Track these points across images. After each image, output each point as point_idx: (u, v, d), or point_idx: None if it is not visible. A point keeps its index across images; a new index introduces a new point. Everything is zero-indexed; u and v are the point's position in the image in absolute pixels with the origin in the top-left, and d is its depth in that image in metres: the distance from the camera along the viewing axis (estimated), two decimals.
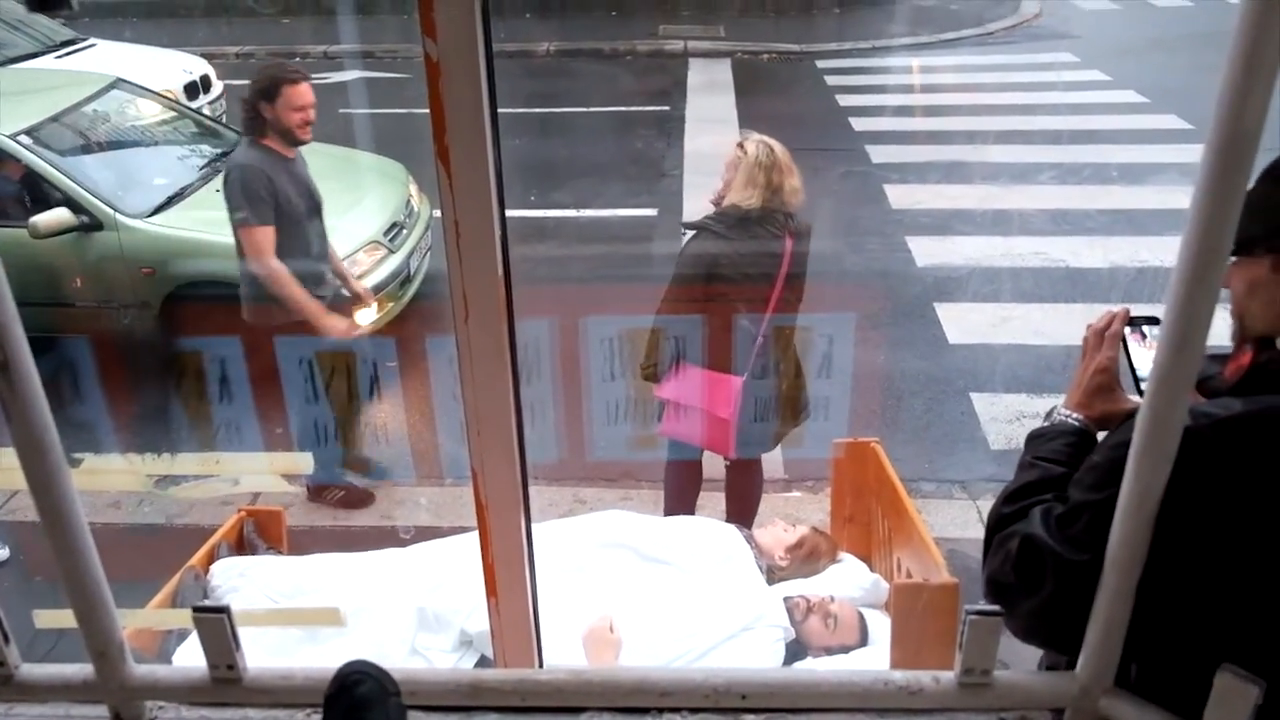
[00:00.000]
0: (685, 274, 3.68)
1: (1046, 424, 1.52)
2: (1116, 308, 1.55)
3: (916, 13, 13.80)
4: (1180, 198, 7.07)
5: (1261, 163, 1.14)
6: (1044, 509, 1.32)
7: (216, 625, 1.11)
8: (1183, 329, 0.89)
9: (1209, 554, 1.17)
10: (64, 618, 1.15)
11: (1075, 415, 1.48)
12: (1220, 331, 1.08)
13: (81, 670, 1.15)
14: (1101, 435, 1.47)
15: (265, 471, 1.80)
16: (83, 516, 1.05)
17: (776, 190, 3.52)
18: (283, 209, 4.10)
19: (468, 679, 1.19)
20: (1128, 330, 1.53)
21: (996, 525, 1.43)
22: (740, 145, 3.63)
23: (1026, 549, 1.30)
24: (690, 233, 3.73)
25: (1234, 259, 1.32)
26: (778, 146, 3.58)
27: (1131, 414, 1.43)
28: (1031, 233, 6.88)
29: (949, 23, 13.14)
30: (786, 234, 3.57)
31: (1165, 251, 6.40)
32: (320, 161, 6.60)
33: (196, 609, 1.11)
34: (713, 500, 4.35)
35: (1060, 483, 1.38)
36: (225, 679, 1.15)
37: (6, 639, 1.14)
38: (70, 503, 1.03)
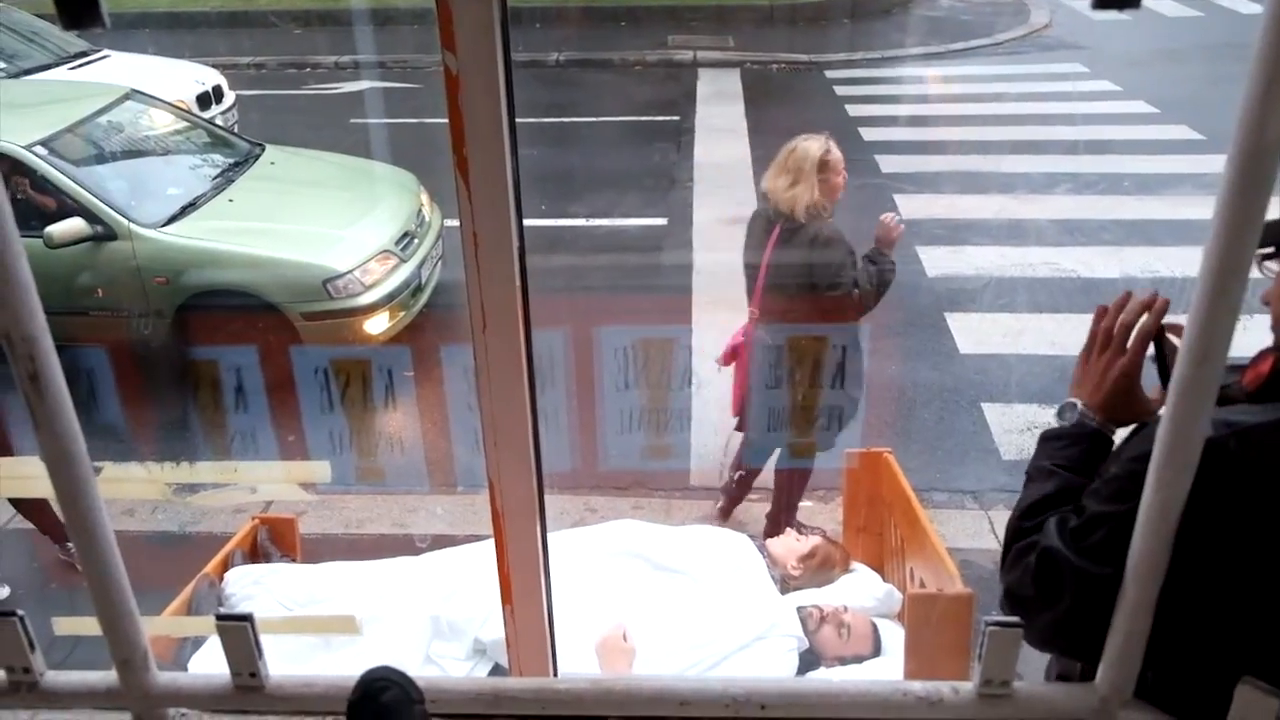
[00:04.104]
0: None
1: (1064, 423, 1.46)
2: (1142, 292, 1.42)
3: (926, 23, 13.79)
4: (1192, 209, 7.06)
5: None
6: (1059, 520, 1.31)
7: (239, 633, 1.12)
8: (1204, 342, 0.90)
9: (1230, 564, 1.16)
10: (84, 624, 1.16)
11: (1095, 417, 1.43)
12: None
13: (105, 677, 1.16)
14: (1120, 434, 1.43)
15: (282, 480, 1.81)
16: (109, 526, 1.05)
17: (763, 180, 3.81)
18: None
19: (488, 687, 1.19)
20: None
21: (1015, 536, 1.41)
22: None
23: (1045, 562, 1.29)
24: None
25: (1274, 265, 1.30)
26: (793, 145, 3.72)
27: (1151, 416, 1.42)
28: (1044, 243, 6.87)
29: (959, 33, 13.13)
30: (773, 231, 3.78)
31: (1178, 263, 6.39)
32: (332, 171, 6.68)
33: (220, 617, 1.11)
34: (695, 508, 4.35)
35: (1079, 492, 1.36)
36: (248, 686, 1.15)
37: (32, 646, 1.15)
38: (97, 512, 1.04)
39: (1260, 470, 1.16)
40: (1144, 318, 1.39)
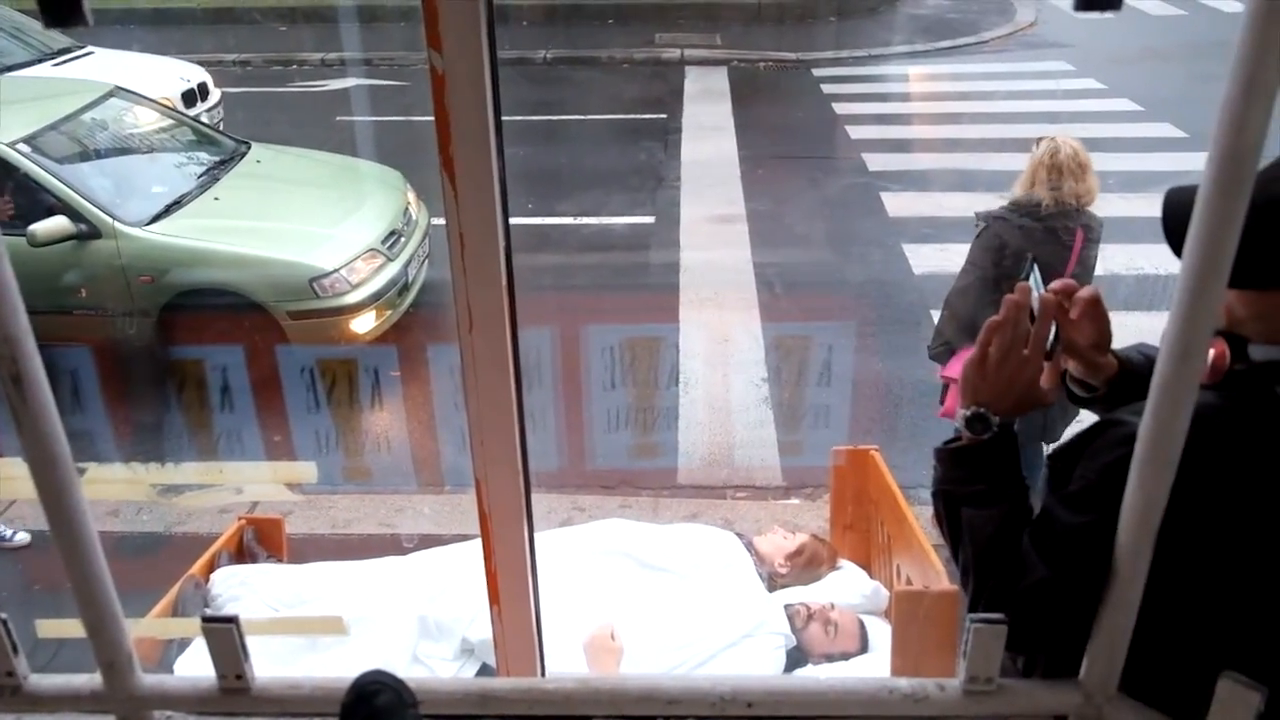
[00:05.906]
0: (975, 259, 3.77)
1: (981, 436, 1.36)
2: (1029, 296, 1.34)
3: (913, 21, 13.84)
4: None
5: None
6: (1035, 544, 1.27)
7: (225, 635, 1.11)
8: (1186, 339, 0.90)
9: (1201, 554, 1.17)
10: (67, 627, 1.15)
11: (1007, 421, 1.36)
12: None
13: (90, 680, 1.15)
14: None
15: (269, 480, 1.81)
16: (93, 528, 1.05)
17: (1055, 188, 3.59)
18: None
19: (476, 688, 1.19)
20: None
21: (987, 574, 1.32)
22: (1036, 142, 3.73)
23: (1044, 593, 1.24)
24: (981, 224, 3.81)
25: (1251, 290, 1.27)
26: (1067, 147, 3.63)
27: (1050, 402, 1.40)
28: None
29: (945, 31, 13.18)
30: (1074, 235, 3.63)
31: (1162, 260, 6.42)
32: (319, 170, 6.66)
33: (205, 619, 1.11)
34: (711, 507, 4.35)
35: (1024, 499, 1.33)
36: (234, 689, 1.15)
37: (15, 649, 1.14)
38: (81, 514, 1.03)
39: (1222, 458, 1.16)
40: (1042, 325, 1.35)
